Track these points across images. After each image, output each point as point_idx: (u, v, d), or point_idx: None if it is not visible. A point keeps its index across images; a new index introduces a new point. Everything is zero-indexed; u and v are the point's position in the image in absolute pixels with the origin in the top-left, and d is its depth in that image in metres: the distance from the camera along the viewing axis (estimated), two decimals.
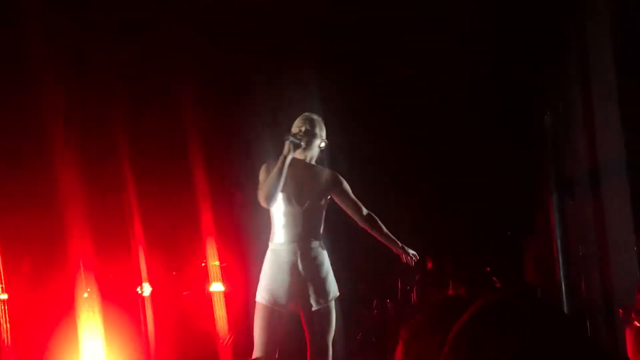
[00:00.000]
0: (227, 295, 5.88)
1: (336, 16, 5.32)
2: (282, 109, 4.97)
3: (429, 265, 6.04)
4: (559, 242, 5.54)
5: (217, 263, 5.96)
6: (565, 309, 5.28)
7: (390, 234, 3.21)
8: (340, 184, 3.21)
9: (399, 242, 3.20)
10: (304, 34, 5.40)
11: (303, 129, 3.11)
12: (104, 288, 5.47)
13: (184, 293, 6.14)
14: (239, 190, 5.97)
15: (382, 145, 5.95)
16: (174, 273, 6.13)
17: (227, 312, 5.89)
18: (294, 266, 3.02)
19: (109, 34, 5.41)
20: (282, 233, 3.06)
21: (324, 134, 3.21)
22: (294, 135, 3.06)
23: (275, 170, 3.01)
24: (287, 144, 3.02)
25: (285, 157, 3.01)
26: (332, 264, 3.29)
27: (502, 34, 5.33)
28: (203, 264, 5.93)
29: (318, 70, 5.40)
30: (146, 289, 5.91)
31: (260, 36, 5.42)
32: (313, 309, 3.02)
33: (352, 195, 3.22)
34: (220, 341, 5.67)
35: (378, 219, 3.21)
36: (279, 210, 3.07)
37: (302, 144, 3.08)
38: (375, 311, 5.94)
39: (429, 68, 5.51)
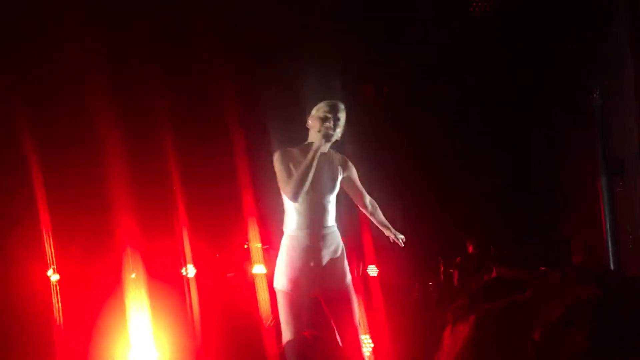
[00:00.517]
0: (269, 277, 5.92)
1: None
2: (305, 95, 4.98)
3: (470, 249, 5.93)
4: (607, 224, 5.44)
5: (259, 245, 6.04)
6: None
7: (386, 221, 3.29)
8: (351, 169, 3.22)
9: (391, 228, 3.27)
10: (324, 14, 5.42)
11: (330, 116, 3.02)
12: (150, 269, 5.53)
13: (228, 275, 6.31)
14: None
15: (420, 128, 6.07)
16: (217, 255, 6.37)
17: (270, 294, 5.84)
18: (313, 252, 3.02)
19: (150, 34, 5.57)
20: (299, 220, 3.05)
21: (344, 122, 3.15)
22: (327, 127, 2.98)
23: (305, 164, 2.96)
24: (319, 137, 2.96)
25: (317, 151, 2.97)
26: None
27: (548, 10, 5.28)
28: (245, 246, 6.04)
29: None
30: (190, 271, 6.10)
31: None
32: (339, 290, 3.05)
33: (359, 182, 3.25)
34: (263, 322, 5.68)
35: (378, 206, 3.28)
36: (290, 203, 3.08)
37: (337, 136, 3.03)
38: (416, 293, 5.90)
39: (469, 46, 5.52)
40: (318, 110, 3.06)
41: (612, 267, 5.49)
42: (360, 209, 3.27)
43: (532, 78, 5.62)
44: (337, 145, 3.17)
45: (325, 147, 3.06)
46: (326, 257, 3.04)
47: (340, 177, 3.15)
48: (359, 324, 3.09)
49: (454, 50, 5.60)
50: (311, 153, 2.95)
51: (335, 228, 3.12)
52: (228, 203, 6.28)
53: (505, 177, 5.92)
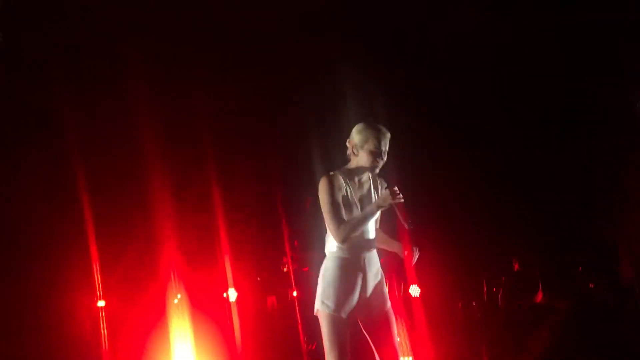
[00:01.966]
0: (309, 300, 5.86)
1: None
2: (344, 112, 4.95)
3: (516, 266, 5.85)
4: None
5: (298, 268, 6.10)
6: None
7: (385, 236, 3.26)
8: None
9: (394, 241, 3.21)
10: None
11: (383, 149, 3.00)
12: (193, 294, 5.62)
13: (269, 299, 6.29)
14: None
15: (463, 140, 5.90)
16: (259, 279, 6.30)
17: (310, 318, 5.97)
18: (358, 274, 3.03)
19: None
20: (348, 243, 3.03)
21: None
22: (397, 194, 2.94)
23: (362, 216, 2.97)
24: (387, 197, 2.94)
25: (379, 208, 2.98)
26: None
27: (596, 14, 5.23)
28: (285, 270, 6.05)
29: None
30: (232, 294, 6.03)
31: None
32: (379, 313, 3.06)
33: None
34: (307, 346, 5.69)
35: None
36: None
37: (400, 199, 2.97)
38: (460, 314, 5.87)
39: (516, 52, 5.48)
40: (366, 140, 3.01)
41: None
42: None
43: (583, 83, 5.53)
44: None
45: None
46: (370, 279, 3.06)
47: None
48: (400, 347, 3.11)
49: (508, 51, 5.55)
50: (372, 210, 2.96)
51: (377, 251, 3.15)
52: (268, 227, 6.32)
53: (555, 190, 5.76)
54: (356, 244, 3.02)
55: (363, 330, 3.12)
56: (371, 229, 3.04)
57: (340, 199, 2.96)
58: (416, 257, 3.07)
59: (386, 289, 3.13)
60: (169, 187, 5.60)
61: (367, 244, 3.04)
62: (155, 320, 5.54)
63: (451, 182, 5.86)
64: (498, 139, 5.86)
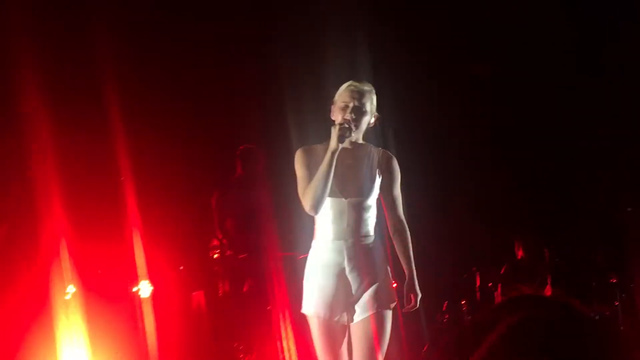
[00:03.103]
0: (248, 294, 5.13)
1: None
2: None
3: (520, 253, 5.00)
4: None
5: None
6: None
7: (412, 257, 2.96)
8: (394, 170, 2.97)
9: (414, 273, 2.95)
10: None
11: (351, 105, 2.82)
12: (90, 288, 4.94)
13: (194, 294, 5.50)
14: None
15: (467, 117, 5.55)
16: (181, 268, 5.54)
17: (253, 318, 5.15)
18: (340, 268, 2.86)
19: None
20: (326, 230, 2.87)
21: (374, 106, 2.92)
22: (342, 124, 2.78)
23: (321, 170, 2.77)
24: (333, 136, 2.77)
25: (333, 153, 2.77)
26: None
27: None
28: (215, 256, 5.24)
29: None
30: (145, 289, 5.27)
31: None
32: (359, 317, 2.84)
33: (397, 189, 2.97)
34: (240, 356, 5.00)
35: (408, 232, 2.97)
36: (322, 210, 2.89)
37: (353, 130, 2.82)
38: (446, 316, 4.99)
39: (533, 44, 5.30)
40: (339, 96, 2.89)
41: None
42: (388, 225, 2.99)
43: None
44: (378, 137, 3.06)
45: (355, 138, 2.88)
46: (359, 275, 2.86)
47: (379, 179, 2.92)
48: None
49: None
50: (326, 158, 2.77)
51: (372, 241, 2.91)
52: (195, 200, 5.48)
53: (566, 160, 5.30)
54: (332, 232, 2.85)
55: (349, 338, 2.90)
56: (361, 213, 2.84)
57: (313, 173, 2.84)
58: (410, 305, 2.96)
59: (391, 290, 2.94)
60: (52, 138, 4.74)
61: (343, 232, 2.84)
62: (32, 322, 4.69)
63: (449, 154, 5.53)
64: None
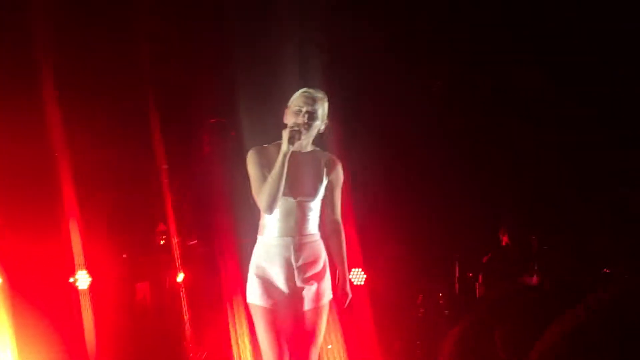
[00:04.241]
0: (199, 286, 4.91)
1: None
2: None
3: (504, 239, 4.75)
4: None
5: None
6: None
7: (345, 258, 3.26)
8: (337, 174, 3.23)
9: (347, 274, 3.24)
10: None
11: (304, 109, 3.06)
12: (19, 278, 4.80)
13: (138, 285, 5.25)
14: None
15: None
16: (125, 256, 5.39)
17: (204, 311, 4.95)
18: (287, 263, 3.09)
19: None
20: (273, 227, 3.12)
21: (326, 114, 3.17)
22: (292, 127, 3.01)
23: (275, 172, 3.01)
24: (285, 138, 3.00)
25: (285, 155, 3.00)
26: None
27: None
28: (162, 242, 5.10)
29: None
30: (83, 279, 5.13)
31: None
32: (305, 308, 3.09)
33: (338, 193, 3.26)
34: (190, 355, 4.83)
35: (344, 234, 3.29)
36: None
37: (303, 133, 3.05)
38: (421, 310, 4.90)
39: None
40: (292, 101, 3.14)
41: None
42: (325, 225, 3.23)
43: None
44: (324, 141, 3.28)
45: (305, 144, 3.12)
46: (304, 270, 3.10)
47: (325, 181, 3.18)
48: (316, 352, 3.12)
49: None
50: (279, 160, 3.02)
51: (319, 238, 3.18)
52: (139, 180, 5.23)
53: (552, 142, 5.15)
54: (279, 229, 3.10)
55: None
56: (304, 213, 3.09)
57: (266, 174, 3.07)
58: (347, 301, 3.20)
59: (328, 285, 3.15)
60: None
61: (291, 229, 3.09)
62: None
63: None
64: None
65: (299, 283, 3.10)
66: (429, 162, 5.35)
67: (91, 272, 5.17)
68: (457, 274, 4.96)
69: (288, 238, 3.10)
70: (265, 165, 3.08)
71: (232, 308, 4.62)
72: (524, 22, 5.48)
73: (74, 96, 5.14)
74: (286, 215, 3.09)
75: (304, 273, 3.11)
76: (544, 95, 5.55)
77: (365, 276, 5.05)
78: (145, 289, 5.31)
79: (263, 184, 3.06)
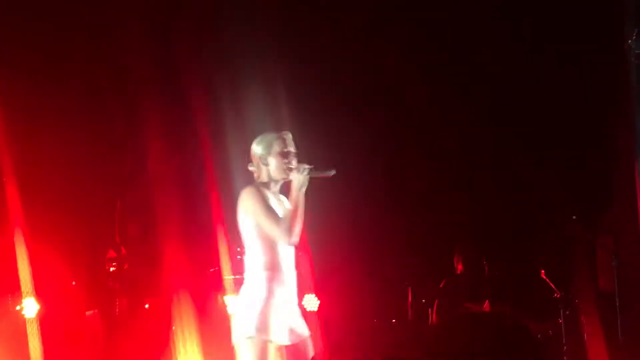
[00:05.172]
0: (149, 314, 4.88)
1: None
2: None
3: (459, 267, 4.65)
4: None
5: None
6: None
7: None
8: None
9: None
10: None
11: (292, 150, 3.23)
12: None
13: (88, 313, 5.15)
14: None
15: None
16: (74, 283, 5.22)
17: (155, 341, 4.85)
18: (277, 296, 3.15)
19: None
20: (260, 261, 3.15)
21: None
22: (301, 166, 3.13)
23: (295, 206, 3.09)
24: (305, 176, 3.11)
25: (303, 187, 3.10)
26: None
27: None
28: (112, 269, 4.91)
29: None
30: (30, 307, 5.04)
31: None
32: (294, 341, 3.12)
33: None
34: None
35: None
36: (270, 243, 3.17)
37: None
38: (375, 335, 4.91)
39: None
40: (271, 145, 3.25)
41: None
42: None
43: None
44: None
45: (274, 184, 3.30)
46: (293, 302, 3.22)
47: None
48: None
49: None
50: (302, 192, 3.12)
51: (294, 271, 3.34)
52: (89, 205, 5.08)
53: (505, 164, 5.11)
54: (263, 261, 3.16)
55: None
56: (282, 246, 3.17)
57: (270, 208, 3.20)
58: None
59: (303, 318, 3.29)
60: None
61: (289, 261, 3.21)
62: None
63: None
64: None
65: (286, 314, 3.13)
66: (383, 188, 5.32)
67: (39, 299, 5.07)
68: (410, 301, 4.92)
69: (275, 272, 3.15)
70: (265, 200, 3.15)
71: (182, 336, 4.58)
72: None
73: (24, 118, 4.93)
74: (272, 249, 3.14)
75: (292, 304, 3.18)
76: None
77: (319, 302, 5.02)
78: (94, 317, 5.18)
79: (274, 213, 3.13)
